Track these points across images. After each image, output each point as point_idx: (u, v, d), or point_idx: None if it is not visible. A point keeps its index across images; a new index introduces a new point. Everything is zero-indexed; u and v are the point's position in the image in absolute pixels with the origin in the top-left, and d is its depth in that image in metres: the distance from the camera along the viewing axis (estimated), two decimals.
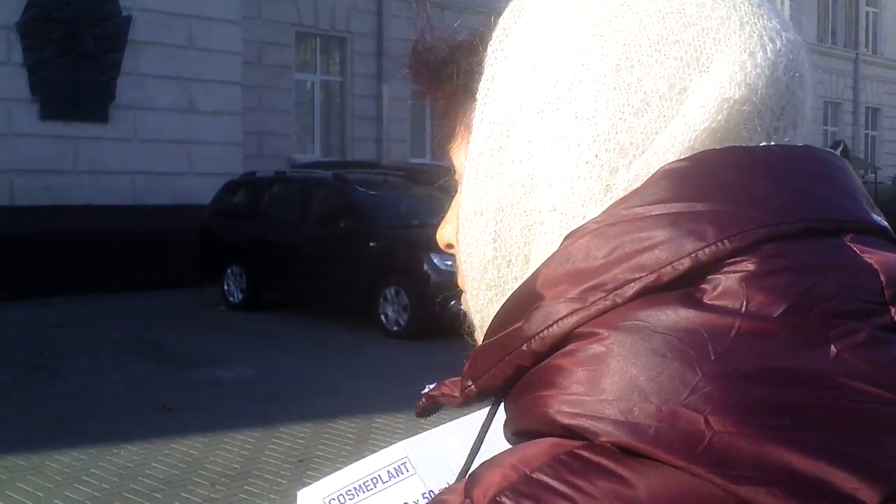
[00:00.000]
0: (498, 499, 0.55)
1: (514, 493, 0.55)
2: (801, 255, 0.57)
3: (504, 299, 0.65)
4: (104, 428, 6.87)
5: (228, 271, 12.77)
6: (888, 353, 0.55)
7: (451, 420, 1.10)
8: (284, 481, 5.74)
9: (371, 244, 11.11)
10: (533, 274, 0.62)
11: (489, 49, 0.68)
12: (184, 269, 13.53)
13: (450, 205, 0.79)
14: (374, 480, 1.06)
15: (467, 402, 0.69)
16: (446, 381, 0.76)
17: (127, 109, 14.29)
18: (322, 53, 19.41)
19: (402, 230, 11.26)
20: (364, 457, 1.07)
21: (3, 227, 12.74)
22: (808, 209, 0.59)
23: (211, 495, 5.57)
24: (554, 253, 0.62)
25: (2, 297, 12.15)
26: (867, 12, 33.52)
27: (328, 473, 1.07)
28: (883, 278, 0.57)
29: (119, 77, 14.20)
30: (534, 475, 0.55)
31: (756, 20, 0.64)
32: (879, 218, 0.63)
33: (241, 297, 12.65)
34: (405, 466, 1.07)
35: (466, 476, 0.59)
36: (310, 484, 1.08)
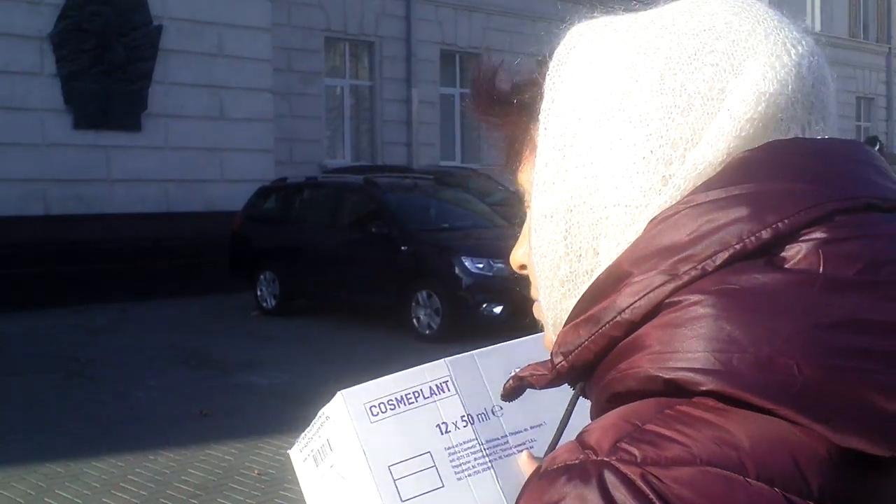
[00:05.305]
0: (618, 444, 0.61)
1: (632, 440, 0.61)
2: (868, 225, 0.65)
3: (577, 292, 0.73)
4: (140, 434, 6.93)
5: (261, 277, 12.82)
6: None
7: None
8: None
9: (402, 248, 11.12)
10: (618, 258, 0.69)
11: (547, 78, 0.77)
12: (217, 275, 13.62)
13: (520, 230, 0.87)
14: (416, 394, 1.07)
15: (557, 378, 0.76)
16: (533, 363, 0.82)
17: (159, 118, 14.41)
18: (351, 58, 19.47)
19: (433, 234, 11.29)
20: None
21: (37, 236, 12.89)
22: (868, 189, 0.67)
23: (247, 501, 5.59)
24: (638, 238, 0.69)
25: (37, 304, 12.30)
26: None
27: None
28: None
29: (150, 86, 14.32)
30: (646, 426, 0.62)
31: (779, 31, 0.72)
32: None
33: (273, 302, 12.70)
34: (447, 385, 1.08)
35: (577, 437, 0.65)
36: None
